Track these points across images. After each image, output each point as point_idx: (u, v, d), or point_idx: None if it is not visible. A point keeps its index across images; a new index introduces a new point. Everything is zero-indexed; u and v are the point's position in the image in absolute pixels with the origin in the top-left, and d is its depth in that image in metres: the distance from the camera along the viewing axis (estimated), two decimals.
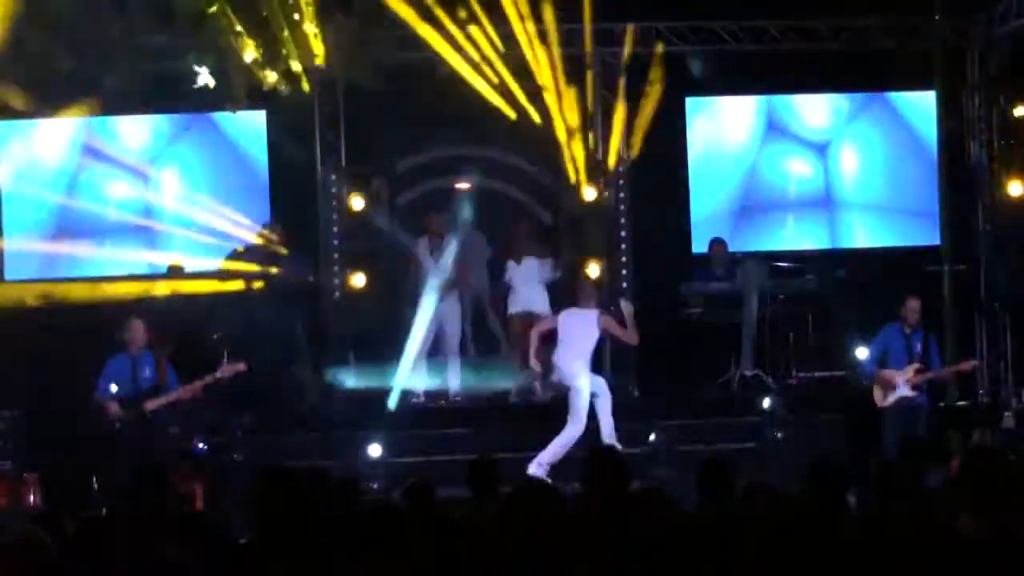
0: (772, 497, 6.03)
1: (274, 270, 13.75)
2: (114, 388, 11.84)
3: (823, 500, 6.21)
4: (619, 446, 11.18)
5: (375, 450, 11.70)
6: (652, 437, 11.67)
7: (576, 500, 7.02)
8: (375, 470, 11.53)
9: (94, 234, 14.92)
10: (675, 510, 6.00)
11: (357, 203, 14.36)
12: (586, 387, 11.75)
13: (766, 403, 12.28)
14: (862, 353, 13.22)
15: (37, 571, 5.12)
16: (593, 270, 13.69)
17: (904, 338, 12.44)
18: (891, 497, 6.48)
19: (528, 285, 13.24)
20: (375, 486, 11.08)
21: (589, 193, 14.36)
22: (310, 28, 12.91)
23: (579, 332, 11.91)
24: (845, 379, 13.70)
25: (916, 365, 12.35)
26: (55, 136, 14.87)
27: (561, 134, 14.28)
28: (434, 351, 13.47)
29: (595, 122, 14.91)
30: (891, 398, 12.33)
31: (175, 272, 13.99)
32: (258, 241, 14.02)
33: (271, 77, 13.07)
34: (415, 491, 6.84)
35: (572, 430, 11.63)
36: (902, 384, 12.31)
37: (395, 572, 5.23)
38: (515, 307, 13.27)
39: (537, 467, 11.50)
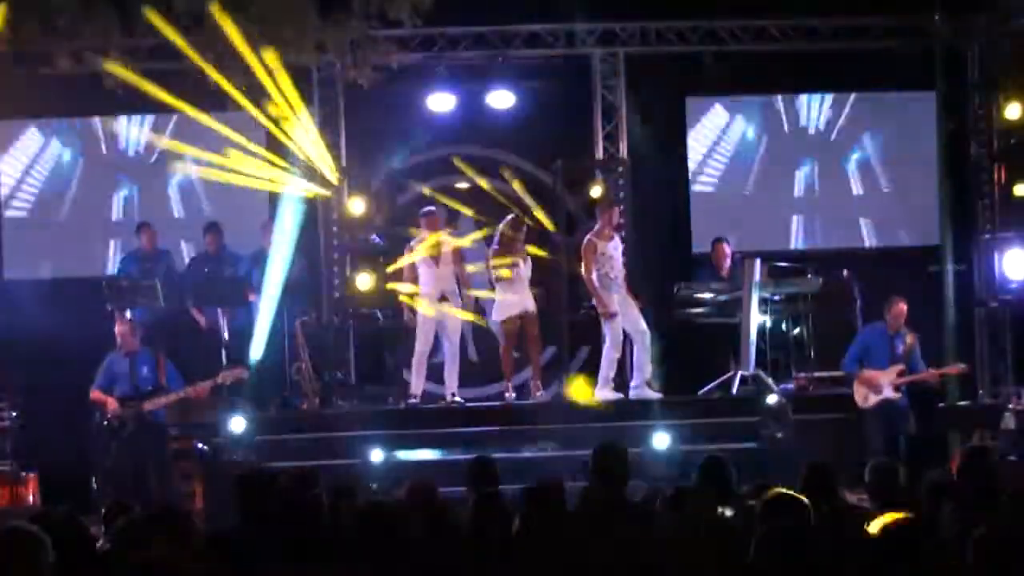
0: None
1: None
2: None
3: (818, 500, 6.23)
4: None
5: (375, 450, 11.68)
6: (667, 441, 11.62)
7: (581, 498, 7.04)
8: (375, 470, 11.50)
9: (94, 234, 14.94)
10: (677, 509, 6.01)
11: (356, 204, 14.35)
12: None
13: (766, 403, 12.26)
14: None
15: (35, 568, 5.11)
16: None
17: (887, 339, 12.47)
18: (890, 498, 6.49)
19: (523, 285, 13.21)
20: (375, 486, 11.05)
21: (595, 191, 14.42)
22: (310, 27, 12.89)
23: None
24: (845, 379, 13.69)
25: (899, 367, 12.38)
26: (55, 136, 14.88)
27: None
28: (433, 352, 13.42)
29: (595, 122, 14.93)
30: (873, 400, 12.36)
31: (144, 228, 13.90)
32: None
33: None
34: (416, 491, 6.84)
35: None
36: (886, 386, 12.34)
37: (395, 572, 5.22)
38: (512, 309, 13.22)
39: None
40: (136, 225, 14.15)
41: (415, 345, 13.09)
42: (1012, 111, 14.52)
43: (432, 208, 13.49)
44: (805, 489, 6.58)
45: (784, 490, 5.79)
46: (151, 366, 11.92)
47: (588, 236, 13.16)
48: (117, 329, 12.25)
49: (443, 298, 13.05)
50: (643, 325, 13.03)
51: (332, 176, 13.95)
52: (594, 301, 13.07)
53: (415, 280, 13.08)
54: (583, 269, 13.04)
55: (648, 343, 13.01)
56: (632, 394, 13.03)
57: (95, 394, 11.94)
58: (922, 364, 12.59)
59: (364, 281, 14.04)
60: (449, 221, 15.00)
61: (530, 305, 13.20)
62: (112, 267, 14.58)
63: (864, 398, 12.39)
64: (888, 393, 12.34)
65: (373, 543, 5.19)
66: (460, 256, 13.32)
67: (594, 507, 6.69)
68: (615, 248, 13.23)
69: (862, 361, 12.50)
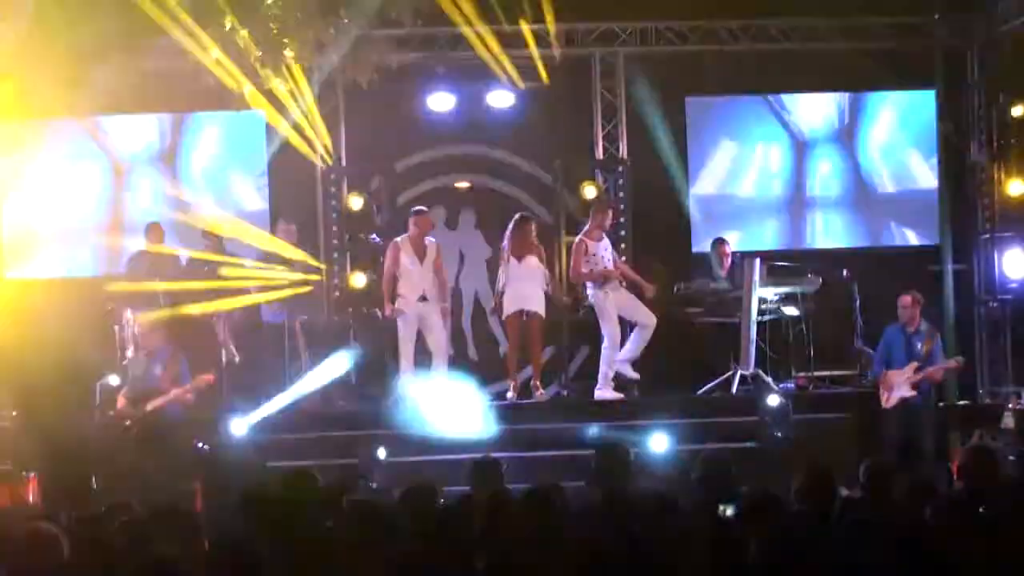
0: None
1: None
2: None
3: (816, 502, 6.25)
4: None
5: (375, 450, 11.67)
6: (667, 441, 11.57)
7: (582, 497, 7.04)
8: (375, 470, 11.50)
9: (94, 234, 14.94)
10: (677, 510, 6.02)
11: (356, 202, 14.37)
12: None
13: (766, 403, 12.26)
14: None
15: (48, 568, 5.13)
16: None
17: (905, 337, 12.45)
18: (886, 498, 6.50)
19: (530, 284, 13.20)
20: (375, 486, 11.06)
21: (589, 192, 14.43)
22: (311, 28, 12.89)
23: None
24: (846, 379, 13.71)
25: (915, 364, 12.36)
26: (55, 136, 14.87)
27: None
28: (426, 352, 13.41)
29: (595, 122, 14.94)
30: (893, 399, 12.34)
31: (153, 228, 13.90)
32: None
33: (272, 77, 13.05)
34: (416, 492, 6.83)
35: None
36: (901, 384, 12.32)
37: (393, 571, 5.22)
38: (515, 305, 13.23)
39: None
40: (145, 226, 14.08)
41: (399, 335, 13.08)
42: (1017, 110, 14.51)
43: (423, 208, 13.47)
44: (804, 490, 6.61)
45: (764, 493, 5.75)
46: (164, 366, 11.92)
47: (579, 236, 13.24)
48: (136, 328, 12.30)
49: (423, 298, 13.03)
50: (652, 318, 13.12)
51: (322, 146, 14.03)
52: (590, 288, 13.16)
53: (397, 277, 13.07)
54: (572, 267, 13.15)
55: (648, 336, 13.11)
56: (616, 366, 13.09)
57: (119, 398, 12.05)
58: (940, 361, 12.54)
59: (359, 280, 14.06)
60: (450, 221, 15.08)
61: (534, 304, 13.18)
62: (104, 267, 14.61)
63: (886, 399, 12.38)
64: (904, 392, 12.30)
65: (374, 543, 5.20)
66: (440, 261, 13.28)
67: (597, 507, 6.70)
68: (604, 249, 13.29)
69: (887, 362, 12.49)
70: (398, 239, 13.19)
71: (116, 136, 15.01)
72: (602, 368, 13.20)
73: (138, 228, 14.43)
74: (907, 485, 6.67)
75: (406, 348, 13.07)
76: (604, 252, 13.26)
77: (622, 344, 13.26)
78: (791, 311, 13.42)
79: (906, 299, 12.48)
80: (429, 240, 13.22)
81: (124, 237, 14.78)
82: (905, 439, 12.07)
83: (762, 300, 13.34)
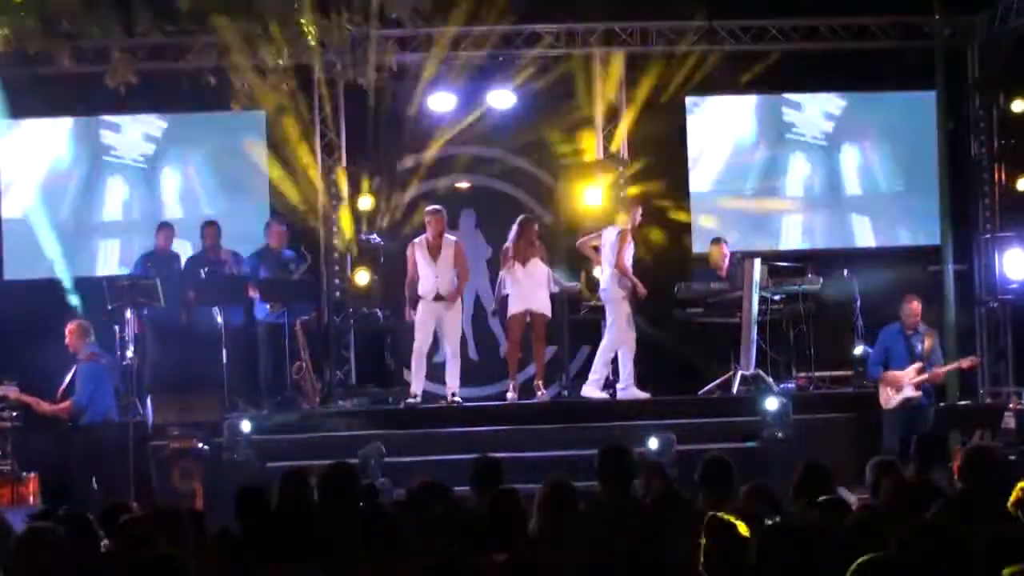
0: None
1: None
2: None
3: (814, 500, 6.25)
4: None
5: (375, 450, 11.66)
6: (655, 444, 11.56)
7: (589, 498, 7.03)
8: (375, 470, 11.48)
9: (95, 234, 14.93)
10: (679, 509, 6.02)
11: (364, 202, 14.34)
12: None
13: (766, 403, 12.26)
14: (858, 350, 13.29)
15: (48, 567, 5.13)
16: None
17: (905, 339, 12.49)
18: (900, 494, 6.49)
19: (532, 285, 13.20)
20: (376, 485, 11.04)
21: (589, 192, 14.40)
22: (311, 27, 12.88)
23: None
24: (847, 379, 13.71)
25: (918, 365, 12.39)
26: (55, 136, 14.87)
27: None
28: (434, 352, 13.42)
29: (595, 122, 14.94)
30: (896, 399, 12.36)
31: (163, 228, 13.93)
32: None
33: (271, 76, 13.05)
34: (426, 489, 6.80)
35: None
36: (907, 385, 12.34)
37: (397, 572, 5.22)
38: (517, 306, 13.23)
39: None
40: (157, 225, 14.09)
41: (415, 334, 13.06)
42: (1018, 106, 14.49)
43: (438, 207, 13.45)
44: (801, 488, 6.60)
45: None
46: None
47: (620, 229, 13.20)
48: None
49: (439, 297, 13.02)
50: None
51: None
52: (618, 286, 13.11)
53: (417, 278, 13.07)
54: (621, 256, 13.06)
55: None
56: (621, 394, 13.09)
57: None
58: (939, 362, 12.58)
59: (362, 278, 14.06)
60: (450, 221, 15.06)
61: (538, 305, 13.19)
62: (104, 268, 14.63)
63: (887, 399, 12.41)
64: (909, 392, 12.35)
65: (376, 542, 5.19)
66: (462, 259, 13.27)
67: (602, 507, 6.68)
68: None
69: (886, 364, 12.52)
70: (416, 240, 13.20)
71: (116, 136, 14.98)
72: (626, 367, 13.13)
73: (140, 228, 14.48)
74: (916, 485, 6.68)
75: (419, 348, 13.05)
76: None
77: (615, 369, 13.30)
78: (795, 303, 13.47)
79: (916, 304, 12.51)
80: (448, 238, 13.21)
81: (125, 237, 14.81)
82: (904, 439, 12.08)
83: (762, 300, 13.33)
